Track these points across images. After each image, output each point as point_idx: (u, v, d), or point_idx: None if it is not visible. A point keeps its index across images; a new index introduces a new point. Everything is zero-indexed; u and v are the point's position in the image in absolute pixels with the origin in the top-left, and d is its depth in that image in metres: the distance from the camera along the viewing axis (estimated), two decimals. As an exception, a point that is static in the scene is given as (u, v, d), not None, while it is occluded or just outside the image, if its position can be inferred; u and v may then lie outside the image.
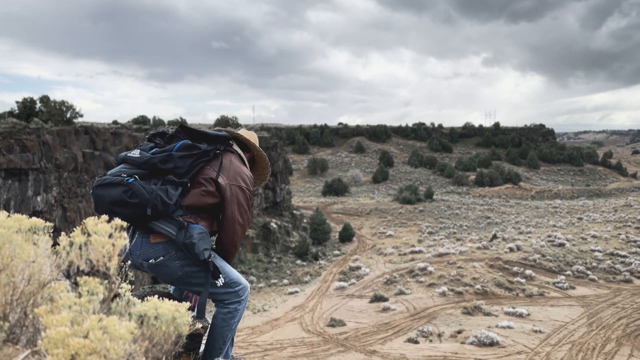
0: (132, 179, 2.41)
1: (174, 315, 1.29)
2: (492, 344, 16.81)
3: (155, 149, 2.61)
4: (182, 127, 2.73)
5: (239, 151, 2.88)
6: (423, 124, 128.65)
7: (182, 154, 2.53)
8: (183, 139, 2.65)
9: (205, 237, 2.52)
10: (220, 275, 2.57)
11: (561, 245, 32.57)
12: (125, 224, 1.38)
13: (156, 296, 1.37)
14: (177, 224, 2.46)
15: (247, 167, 2.87)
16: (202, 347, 2.74)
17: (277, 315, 23.00)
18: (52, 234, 1.51)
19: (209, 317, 2.71)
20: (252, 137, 3.05)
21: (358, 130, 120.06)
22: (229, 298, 2.65)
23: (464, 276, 26.15)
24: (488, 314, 20.87)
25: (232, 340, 2.77)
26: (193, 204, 2.57)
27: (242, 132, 3.04)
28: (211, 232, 2.71)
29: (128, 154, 2.57)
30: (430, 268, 27.70)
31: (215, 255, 2.70)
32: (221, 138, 2.76)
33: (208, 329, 2.67)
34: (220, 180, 2.63)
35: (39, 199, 27.30)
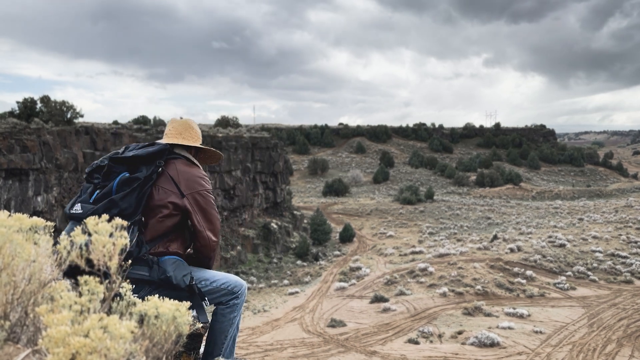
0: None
1: (175, 314, 1.29)
2: (493, 344, 16.79)
3: (96, 192, 2.46)
4: (112, 159, 2.56)
5: (182, 153, 2.72)
6: (424, 124, 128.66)
7: (123, 194, 2.39)
8: (120, 172, 2.50)
9: (180, 265, 2.46)
10: (206, 298, 2.56)
11: (562, 245, 32.54)
12: (126, 223, 1.38)
13: (157, 295, 1.37)
14: (146, 263, 2.39)
15: (197, 165, 2.73)
16: (203, 347, 2.74)
17: (278, 316, 22.99)
18: (52, 234, 1.51)
19: (208, 316, 2.72)
20: (186, 129, 2.81)
21: (358, 131, 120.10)
22: (225, 298, 2.65)
23: (464, 277, 26.13)
24: (489, 315, 20.85)
25: (235, 339, 2.76)
26: (155, 235, 2.48)
27: (173, 129, 2.80)
28: (186, 248, 2.66)
29: (71, 210, 2.43)
30: (430, 269, 27.68)
31: (196, 269, 2.68)
32: (157, 153, 2.57)
33: (209, 327, 2.67)
34: (175, 199, 2.52)
35: (39, 199, 27.32)
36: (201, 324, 2.49)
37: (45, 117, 33.13)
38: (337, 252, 42.92)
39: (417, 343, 17.74)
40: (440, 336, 18.56)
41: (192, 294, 2.48)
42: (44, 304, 1.10)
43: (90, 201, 2.43)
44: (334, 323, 20.55)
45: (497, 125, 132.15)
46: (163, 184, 2.54)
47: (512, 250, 31.42)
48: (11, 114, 34.15)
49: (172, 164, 2.60)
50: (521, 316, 20.63)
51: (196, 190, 2.57)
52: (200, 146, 2.85)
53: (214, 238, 2.66)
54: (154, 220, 2.49)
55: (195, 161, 2.77)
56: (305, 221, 52.23)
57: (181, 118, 2.91)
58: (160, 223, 2.49)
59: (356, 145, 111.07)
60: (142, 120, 52.67)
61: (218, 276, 2.68)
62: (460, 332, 18.61)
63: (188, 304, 1.34)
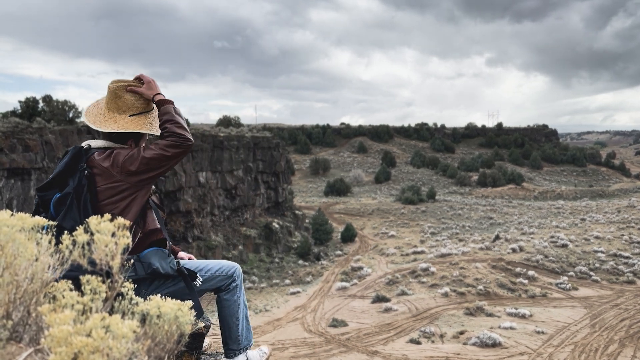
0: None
1: (177, 314, 1.29)
2: (495, 344, 16.77)
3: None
4: (38, 190, 2.46)
5: (98, 145, 2.50)
6: (425, 124, 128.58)
7: (62, 214, 2.27)
8: (51, 197, 2.39)
9: (162, 254, 2.41)
10: (197, 276, 2.55)
11: (564, 246, 32.48)
12: (128, 222, 1.38)
13: (159, 295, 1.37)
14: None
15: (116, 147, 2.49)
16: (205, 344, 2.76)
17: (279, 316, 23.00)
18: (54, 233, 1.51)
19: (210, 317, 2.74)
20: (105, 107, 2.53)
21: (360, 131, 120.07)
22: (223, 283, 2.70)
23: (466, 277, 26.10)
24: (490, 315, 20.82)
25: (247, 317, 2.79)
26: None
27: (92, 107, 2.57)
28: (160, 216, 2.56)
29: None
30: (432, 269, 27.65)
31: (186, 262, 2.70)
32: (73, 159, 2.41)
33: (217, 316, 2.70)
34: (119, 186, 2.37)
35: (41, 198, 27.40)
36: (203, 324, 2.50)
37: (47, 117, 33.20)
38: (338, 252, 42.90)
39: (418, 343, 17.74)
40: (441, 336, 18.55)
41: (182, 277, 2.47)
42: (46, 304, 1.10)
43: None
44: (336, 323, 20.55)
45: (499, 125, 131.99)
46: (99, 182, 2.38)
47: (514, 250, 31.38)
48: (13, 113, 34.23)
49: (93, 160, 2.42)
50: (523, 316, 20.60)
51: (127, 166, 2.36)
52: (112, 130, 2.47)
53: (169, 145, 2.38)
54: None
55: (119, 132, 2.49)
56: (306, 221, 52.22)
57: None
58: (124, 214, 2.34)
59: (358, 145, 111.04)
60: (144, 120, 52.71)
61: (211, 264, 2.72)
62: (462, 332, 18.60)
63: (190, 303, 1.34)
